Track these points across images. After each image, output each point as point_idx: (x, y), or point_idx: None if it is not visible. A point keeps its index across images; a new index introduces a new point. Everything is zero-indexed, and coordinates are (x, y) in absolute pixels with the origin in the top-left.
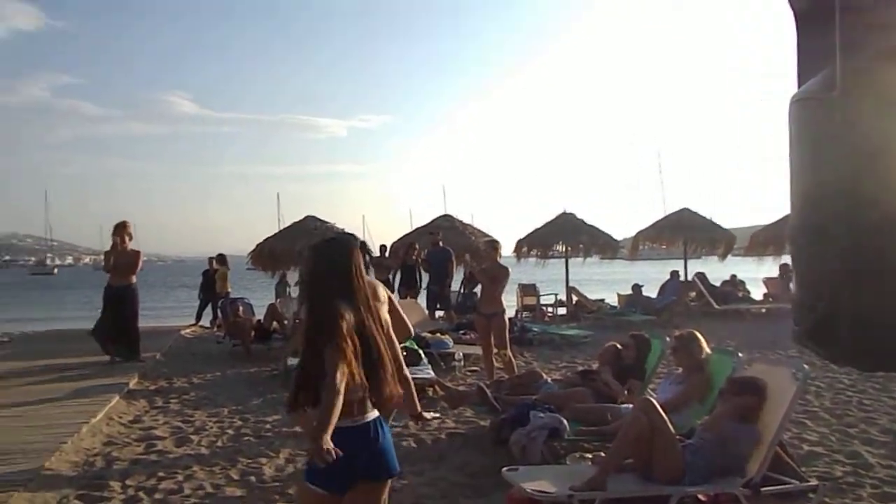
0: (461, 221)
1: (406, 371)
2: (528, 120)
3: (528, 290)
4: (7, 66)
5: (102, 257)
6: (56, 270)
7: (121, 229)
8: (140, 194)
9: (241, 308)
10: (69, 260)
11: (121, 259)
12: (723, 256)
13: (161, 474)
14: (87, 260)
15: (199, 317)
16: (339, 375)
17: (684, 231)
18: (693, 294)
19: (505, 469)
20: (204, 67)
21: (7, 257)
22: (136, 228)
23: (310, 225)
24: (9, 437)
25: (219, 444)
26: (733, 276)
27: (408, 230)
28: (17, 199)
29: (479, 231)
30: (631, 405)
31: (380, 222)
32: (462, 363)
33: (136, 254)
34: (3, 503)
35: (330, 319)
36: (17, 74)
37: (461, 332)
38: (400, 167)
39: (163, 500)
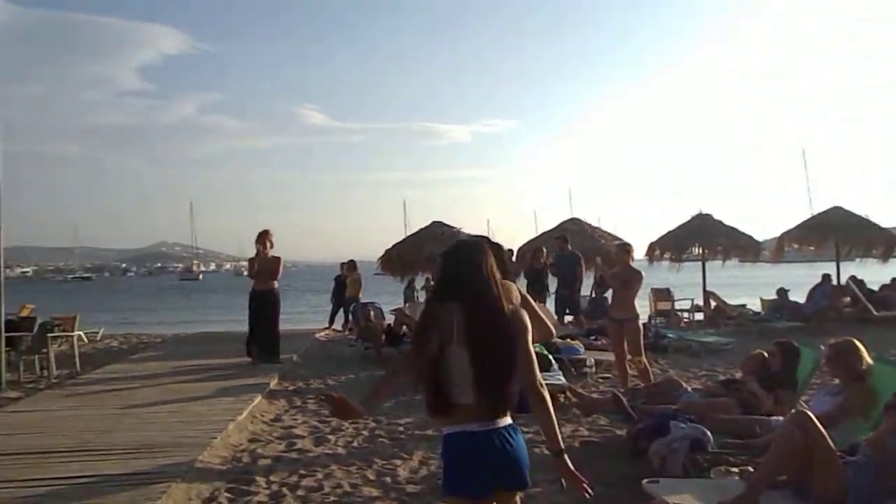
0: (589, 224)
1: (543, 390)
2: (661, 121)
3: (661, 294)
4: (160, 87)
5: (242, 263)
6: (201, 276)
7: (263, 237)
8: (275, 203)
9: (372, 312)
10: (212, 266)
11: (263, 265)
12: (883, 258)
13: (302, 472)
14: (228, 266)
15: (331, 320)
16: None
17: (835, 231)
18: (847, 299)
19: (645, 481)
20: (331, 80)
21: (158, 264)
22: (274, 235)
23: (437, 230)
24: (166, 432)
25: (354, 444)
26: (894, 280)
27: (533, 234)
28: (167, 211)
29: (608, 234)
30: (780, 417)
31: (505, 227)
32: (593, 369)
33: (277, 260)
34: (164, 493)
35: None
36: (168, 95)
37: (592, 337)
38: (525, 171)
39: (304, 496)
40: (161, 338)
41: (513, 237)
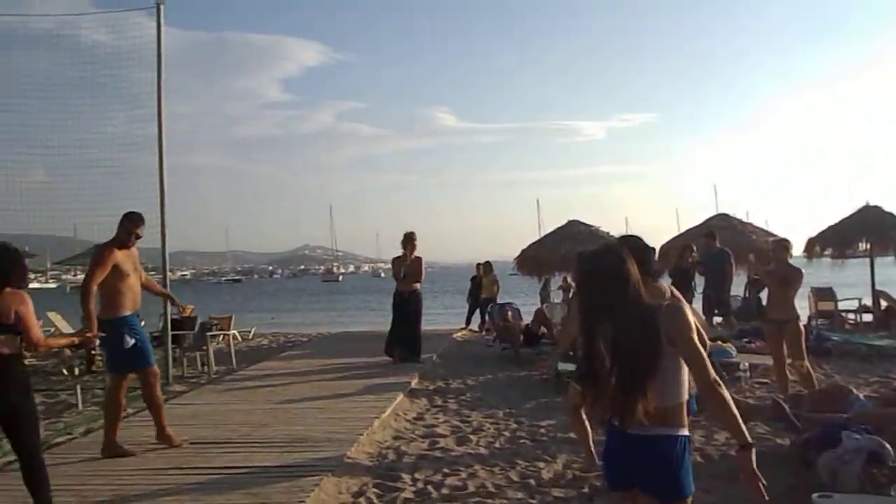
0: (739, 220)
1: (719, 388)
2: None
3: (823, 294)
4: (300, 98)
5: (379, 265)
6: (341, 278)
7: (410, 239)
8: (410, 205)
9: (509, 312)
10: (351, 268)
11: (409, 267)
12: None
13: (446, 470)
14: (366, 268)
15: (468, 321)
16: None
17: None
18: None
19: (816, 495)
20: (461, 82)
21: (302, 267)
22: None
23: (573, 229)
24: (316, 427)
25: (496, 445)
26: None
27: (675, 232)
28: (309, 216)
29: (760, 230)
30: None
31: (644, 224)
32: (748, 374)
33: (420, 261)
34: (317, 486)
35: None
36: (309, 105)
37: (745, 339)
38: (664, 166)
39: (449, 495)
40: (307, 337)
41: (654, 235)
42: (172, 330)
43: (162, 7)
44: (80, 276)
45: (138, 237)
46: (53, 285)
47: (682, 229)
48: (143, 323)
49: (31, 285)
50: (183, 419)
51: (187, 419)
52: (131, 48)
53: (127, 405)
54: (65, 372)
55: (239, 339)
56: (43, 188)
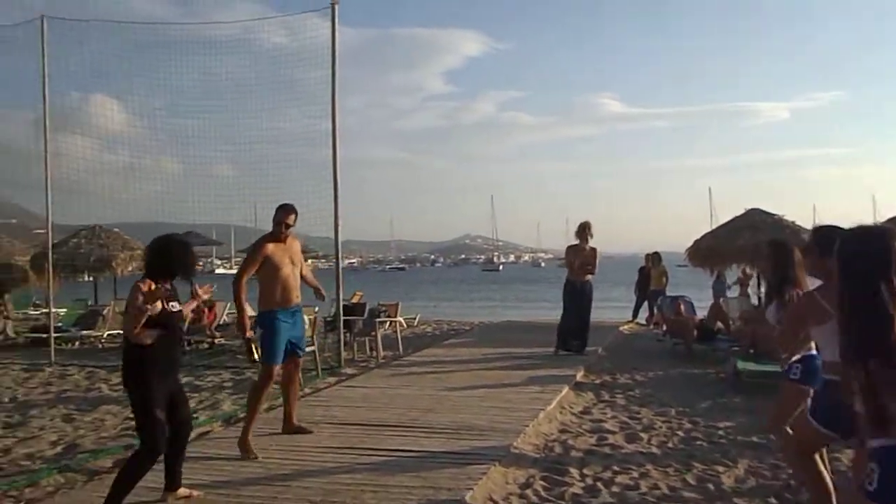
0: None
1: None
2: None
3: None
4: (462, 89)
5: (539, 255)
6: (501, 267)
7: (584, 230)
8: (571, 194)
9: (682, 306)
10: (511, 258)
11: (582, 257)
12: None
13: (615, 468)
14: (526, 258)
15: (635, 313)
16: None
17: None
18: None
19: None
20: (628, 67)
21: (463, 256)
22: (569, 227)
23: (753, 218)
24: (481, 416)
25: (669, 444)
26: None
27: (871, 221)
28: (470, 205)
29: None
30: None
31: (836, 213)
32: None
33: (595, 252)
34: (484, 474)
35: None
36: (470, 96)
37: None
38: (858, 148)
39: (620, 493)
40: (469, 325)
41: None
42: (344, 316)
43: (336, 7)
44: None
45: (287, 227)
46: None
47: (881, 218)
48: (311, 317)
49: (218, 271)
50: (354, 401)
51: (358, 401)
52: (306, 48)
53: (304, 385)
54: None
55: (405, 325)
56: (228, 182)
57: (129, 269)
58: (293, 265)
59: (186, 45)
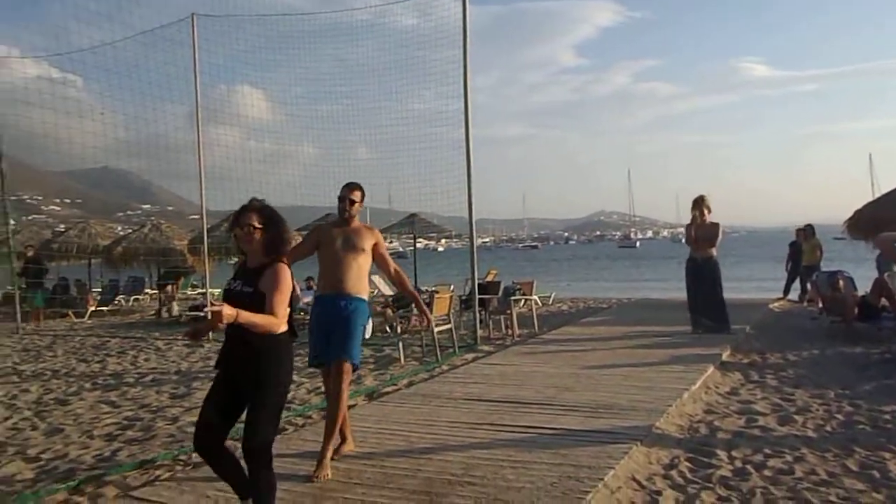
0: None
1: None
2: None
3: None
4: (595, 61)
5: (679, 230)
6: (638, 244)
7: (700, 203)
8: (712, 165)
9: (841, 282)
10: (649, 234)
11: (701, 232)
12: None
13: (767, 451)
14: (664, 233)
15: (786, 290)
16: None
17: None
18: None
19: None
20: (774, 29)
21: (598, 233)
22: (712, 201)
23: None
24: (621, 394)
25: (827, 428)
26: None
27: None
28: (604, 181)
29: None
30: None
31: None
32: None
33: (716, 226)
34: (626, 454)
35: None
36: (603, 68)
37: None
38: None
39: (773, 478)
40: (606, 303)
41: None
42: (479, 294)
43: None
44: (394, 244)
45: (352, 203)
46: None
47: None
48: (448, 296)
49: None
50: (491, 378)
51: (496, 378)
52: (437, 29)
53: (442, 361)
54: (387, 329)
55: (539, 304)
56: (363, 165)
57: None
58: (347, 251)
59: (323, 32)
